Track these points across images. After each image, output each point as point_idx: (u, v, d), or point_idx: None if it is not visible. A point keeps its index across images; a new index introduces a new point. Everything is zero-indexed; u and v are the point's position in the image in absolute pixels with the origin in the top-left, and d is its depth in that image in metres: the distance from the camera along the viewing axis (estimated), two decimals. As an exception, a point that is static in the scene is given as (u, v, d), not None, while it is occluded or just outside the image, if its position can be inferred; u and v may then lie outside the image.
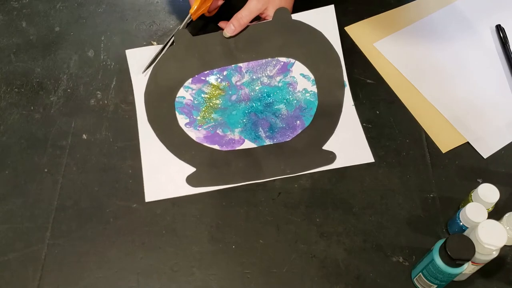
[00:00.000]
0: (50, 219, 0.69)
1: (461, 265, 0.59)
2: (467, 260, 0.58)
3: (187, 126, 0.77)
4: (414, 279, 0.66)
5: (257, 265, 0.67)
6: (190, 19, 0.81)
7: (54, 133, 0.76)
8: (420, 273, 0.64)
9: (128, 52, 0.82)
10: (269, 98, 0.79)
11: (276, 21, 0.80)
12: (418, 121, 0.80)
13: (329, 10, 0.82)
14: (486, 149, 0.77)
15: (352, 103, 0.78)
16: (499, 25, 0.89)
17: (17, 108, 0.78)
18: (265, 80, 0.80)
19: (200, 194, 0.72)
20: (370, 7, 0.91)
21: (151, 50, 0.81)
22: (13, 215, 0.69)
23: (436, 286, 0.63)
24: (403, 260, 0.68)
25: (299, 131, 0.77)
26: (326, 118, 0.77)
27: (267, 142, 0.76)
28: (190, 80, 0.80)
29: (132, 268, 0.66)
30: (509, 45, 0.87)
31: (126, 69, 0.82)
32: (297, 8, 0.82)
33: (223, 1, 0.85)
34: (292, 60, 0.80)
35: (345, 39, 0.87)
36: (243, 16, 0.78)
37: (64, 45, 0.84)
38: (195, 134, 0.77)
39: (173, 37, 0.80)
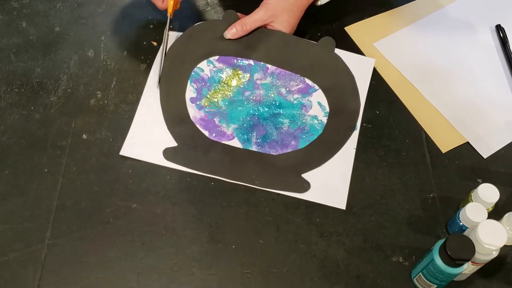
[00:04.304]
0: (50, 219, 0.69)
1: (461, 265, 0.59)
2: (467, 260, 0.58)
3: (191, 101, 0.78)
4: (414, 279, 0.66)
5: (257, 265, 0.67)
6: (170, 19, 0.82)
7: (54, 133, 0.76)
8: (420, 273, 0.64)
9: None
10: (278, 109, 0.79)
11: (319, 46, 0.82)
12: (418, 121, 0.80)
13: (370, 63, 0.83)
14: (486, 149, 0.77)
15: (354, 146, 0.76)
16: (499, 25, 0.89)
17: (17, 108, 0.78)
18: (283, 91, 0.80)
19: (200, 194, 0.72)
20: (370, 7, 0.91)
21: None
22: (13, 215, 0.69)
23: (436, 286, 0.63)
24: (403, 260, 0.68)
25: (290, 150, 0.76)
26: (321, 150, 0.76)
27: (253, 148, 0.76)
28: (216, 57, 0.81)
29: (132, 268, 0.66)
30: (509, 45, 0.87)
31: (126, 69, 0.82)
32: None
33: None
34: (317, 87, 0.80)
35: (345, 39, 0.87)
36: (247, 23, 0.79)
37: (64, 45, 0.84)
38: (193, 113, 0.77)
39: (167, 38, 0.80)
